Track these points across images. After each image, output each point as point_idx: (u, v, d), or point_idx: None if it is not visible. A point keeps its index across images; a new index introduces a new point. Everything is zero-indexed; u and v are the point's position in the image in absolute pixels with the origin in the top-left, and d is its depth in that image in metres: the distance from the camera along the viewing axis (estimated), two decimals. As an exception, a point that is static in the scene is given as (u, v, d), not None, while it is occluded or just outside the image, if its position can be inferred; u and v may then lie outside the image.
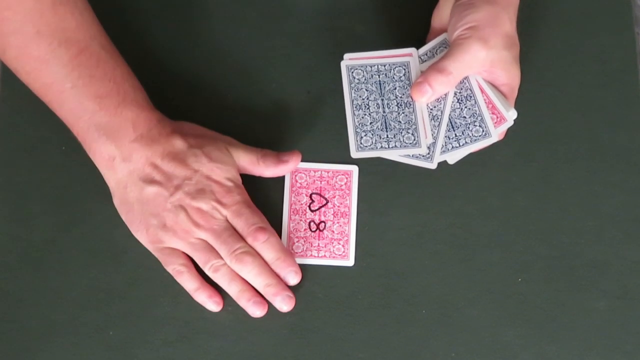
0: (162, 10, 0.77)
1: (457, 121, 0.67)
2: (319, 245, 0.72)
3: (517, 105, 0.72)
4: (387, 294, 0.71)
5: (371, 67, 0.69)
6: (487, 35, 0.64)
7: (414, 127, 0.66)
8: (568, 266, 0.71)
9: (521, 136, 0.74)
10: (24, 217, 0.72)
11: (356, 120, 0.67)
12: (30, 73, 0.66)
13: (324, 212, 0.72)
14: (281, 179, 0.73)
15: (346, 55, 0.70)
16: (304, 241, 0.72)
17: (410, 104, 0.67)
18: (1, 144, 0.74)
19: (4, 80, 0.74)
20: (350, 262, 0.71)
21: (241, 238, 0.68)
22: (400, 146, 0.66)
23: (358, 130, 0.67)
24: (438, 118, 0.67)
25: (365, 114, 0.67)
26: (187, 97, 0.75)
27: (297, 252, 0.72)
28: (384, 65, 0.69)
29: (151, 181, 0.67)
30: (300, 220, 0.72)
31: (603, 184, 0.73)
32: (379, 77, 0.69)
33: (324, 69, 0.75)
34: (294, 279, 0.69)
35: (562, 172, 0.73)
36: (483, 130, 0.66)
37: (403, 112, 0.67)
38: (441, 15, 0.70)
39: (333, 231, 0.72)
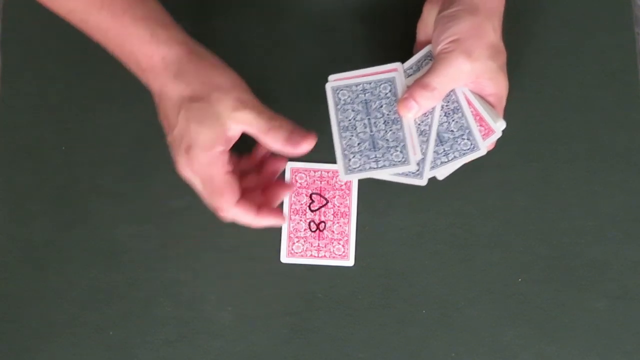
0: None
1: (445, 135, 0.66)
2: (319, 245, 0.72)
3: (517, 105, 0.72)
4: (387, 294, 0.71)
5: (356, 86, 0.67)
6: (471, 47, 0.63)
7: (402, 144, 0.65)
8: (568, 266, 0.71)
9: (521, 136, 0.74)
10: (24, 217, 0.72)
11: (344, 142, 0.66)
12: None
13: (324, 212, 0.72)
14: (281, 179, 0.72)
15: (331, 77, 0.68)
16: (304, 241, 0.72)
17: (398, 121, 0.66)
18: (1, 144, 0.74)
19: (4, 80, 0.74)
20: (350, 262, 0.71)
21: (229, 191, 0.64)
22: (389, 165, 0.65)
23: (346, 152, 0.66)
24: (426, 133, 0.66)
25: (352, 135, 0.66)
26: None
27: (297, 252, 0.72)
28: (369, 84, 0.67)
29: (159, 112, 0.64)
30: (300, 220, 0.72)
31: (603, 184, 0.73)
32: (365, 95, 0.67)
33: (325, 68, 0.75)
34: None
35: (562, 172, 0.73)
36: (471, 144, 0.66)
37: (390, 130, 0.66)
38: (425, 27, 0.69)
39: (333, 231, 0.72)
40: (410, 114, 0.65)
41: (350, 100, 0.67)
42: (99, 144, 0.73)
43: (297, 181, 0.73)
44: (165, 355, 0.70)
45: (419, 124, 0.66)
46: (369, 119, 0.66)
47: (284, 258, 0.72)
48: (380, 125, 0.66)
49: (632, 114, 0.75)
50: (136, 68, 0.63)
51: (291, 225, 0.72)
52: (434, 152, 0.66)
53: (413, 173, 0.66)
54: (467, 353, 0.70)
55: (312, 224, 0.72)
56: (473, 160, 0.71)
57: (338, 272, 0.71)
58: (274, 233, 0.72)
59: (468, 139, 0.65)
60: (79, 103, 0.74)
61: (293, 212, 0.72)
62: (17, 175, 0.73)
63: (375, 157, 0.66)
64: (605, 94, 0.75)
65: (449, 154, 0.66)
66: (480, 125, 0.66)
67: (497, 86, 0.65)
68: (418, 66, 0.67)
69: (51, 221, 0.72)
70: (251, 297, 0.71)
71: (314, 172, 0.73)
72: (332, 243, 0.72)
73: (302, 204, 0.72)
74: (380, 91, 0.67)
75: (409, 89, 0.65)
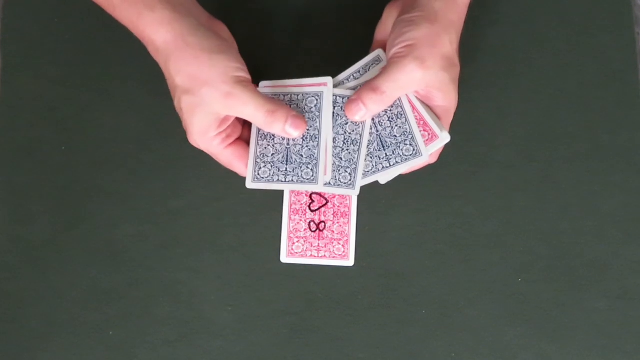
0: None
1: (388, 140, 0.65)
2: (319, 245, 0.72)
3: (518, 105, 0.73)
4: (387, 294, 0.71)
5: (284, 95, 0.67)
6: (425, 55, 0.61)
7: (314, 162, 0.64)
8: (568, 266, 0.71)
9: (521, 136, 0.74)
10: (24, 217, 0.72)
11: (258, 150, 0.66)
12: None
13: (324, 212, 0.72)
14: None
15: (262, 83, 0.67)
16: (304, 241, 0.72)
17: (316, 138, 0.65)
18: (1, 144, 0.74)
19: (4, 80, 0.74)
20: (350, 262, 0.71)
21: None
22: (297, 181, 0.65)
23: (258, 160, 0.66)
24: (357, 142, 0.65)
25: (269, 144, 0.66)
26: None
27: (297, 252, 0.72)
28: (297, 95, 0.66)
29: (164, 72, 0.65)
30: (300, 220, 0.72)
31: (603, 184, 0.73)
32: (291, 107, 0.66)
33: (323, 68, 0.75)
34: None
35: (562, 172, 0.73)
36: (414, 149, 0.65)
37: (307, 146, 0.65)
38: (384, 29, 0.68)
39: (333, 231, 0.72)
40: (357, 117, 0.64)
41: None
42: (99, 144, 0.73)
43: (297, 181, 0.73)
44: (165, 355, 0.70)
45: (350, 133, 0.66)
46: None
47: (284, 258, 0.72)
48: (298, 140, 0.65)
49: (632, 114, 0.75)
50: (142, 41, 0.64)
51: (291, 225, 0.72)
52: (376, 156, 0.65)
53: (345, 183, 0.66)
54: (467, 353, 0.70)
55: (312, 224, 0.72)
56: (473, 160, 0.71)
57: (338, 272, 0.71)
58: (274, 233, 0.72)
59: (410, 145, 0.65)
60: (79, 103, 0.74)
61: (293, 212, 0.72)
62: (17, 175, 0.73)
63: (286, 170, 0.65)
64: (605, 94, 0.75)
65: (390, 159, 0.65)
66: (424, 130, 0.65)
67: (446, 98, 0.64)
68: (365, 69, 0.67)
69: (51, 221, 0.72)
70: (251, 297, 0.71)
71: (314, 172, 0.73)
72: (332, 243, 0.72)
73: (302, 204, 0.72)
74: (306, 104, 0.66)
75: (358, 91, 0.64)
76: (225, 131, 0.65)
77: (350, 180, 0.65)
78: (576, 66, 0.75)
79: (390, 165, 0.65)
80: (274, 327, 0.70)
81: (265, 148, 0.66)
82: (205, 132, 0.63)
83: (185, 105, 0.63)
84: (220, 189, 0.71)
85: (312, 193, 0.73)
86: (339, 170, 0.65)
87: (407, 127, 0.64)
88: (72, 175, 0.73)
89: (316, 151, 0.65)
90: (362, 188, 0.73)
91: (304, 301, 0.71)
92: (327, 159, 0.65)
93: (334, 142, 0.66)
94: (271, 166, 0.65)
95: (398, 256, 0.72)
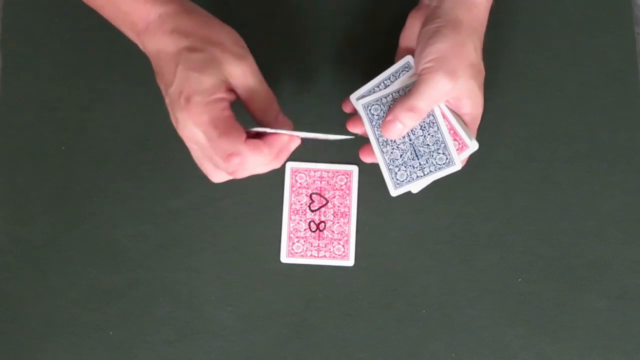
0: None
1: (421, 149, 0.65)
2: (319, 245, 0.72)
3: (518, 105, 0.73)
4: (387, 294, 0.71)
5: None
6: (454, 67, 0.62)
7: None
8: (568, 266, 0.71)
9: (521, 136, 0.74)
10: (24, 217, 0.72)
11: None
12: None
13: (324, 212, 0.72)
14: (281, 179, 0.73)
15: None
16: (304, 241, 0.72)
17: (434, 123, 0.65)
18: (1, 144, 0.74)
19: (4, 80, 0.74)
20: (350, 262, 0.71)
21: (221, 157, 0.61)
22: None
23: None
24: (434, 123, 0.65)
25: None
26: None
27: (297, 252, 0.72)
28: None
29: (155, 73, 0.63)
30: (300, 220, 0.72)
31: (603, 184, 0.73)
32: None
33: (324, 69, 0.75)
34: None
35: (562, 172, 0.73)
36: (447, 158, 0.65)
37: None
38: (408, 37, 0.69)
39: (333, 231, 0.72)
40: (395, 135, 0.65)
41: (383, 113, 0.67)
42: (99, 144, 0.73)
43: (297, 181, 0.73)
44: (165, 355, 0.70)
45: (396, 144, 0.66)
46: None
47: (284, 258, 0.72)
48: (417, 132, 0.66)
49: (632, 114, 0.75)
50: (132, 31, 0.62)
51: (291, 225, 0.72)
52: (410, 166, 0.66)
53: (445, 164, 0.65)
54: (467, 353, 0.70)
55: (312, 224, 0.72)
56: (473, 160, 0.71)
57: (338, 272, 0.71)
58: (274, 233, 0.72)
59: (443, 154, 0.65)
60: (79, 103, 0.74)
61: (293, 212, 0.72)
62: (17, 175, 0.73)
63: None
64: (605, 94, 0.75)
65: (424, 168, 0.65)
66: (455, 140, 0.65)
67: (474, 106, 0.65)
68: (396, 76, 0.67)
69: (51, 221, 0.72)
70: (251, 297, 0.71)
71: (314, 172, 0.73)
72: (332, 243, 0.72)
73: (302, 204, 0.72)
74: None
75: (393, 110, 0.64)
76: (229, 102, 0.62)
77: (446, 159, 0.65)
78: (576, 66, 0.75)
79: (424, 175, 0.66)
80: (274, 327, 0.70)
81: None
82: (212, 92, 0.60)
83: (193, 64, 0.60)
84: (220, 189, 0.71)
85: (312, 193, 0.73)
86: (432, 155, 0.65)
87: (440, 135, 0.65)
88: (72, 175, 0.73)
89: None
90: (362, 187, 0.73)
91: (304, 301, 0.71)
92: (458, 135, 0.65)
93: (413, 133, 0.66)
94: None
95: (398, 256, 0.72)
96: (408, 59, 0.67)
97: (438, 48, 0.63)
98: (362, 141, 0.68)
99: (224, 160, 0.59)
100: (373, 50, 0.75)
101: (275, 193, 0.72)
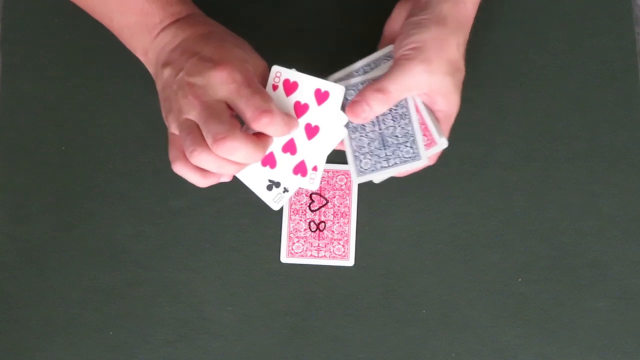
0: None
1: (389, 139, 0.64)
2: (319, 245, 0.72)
3: (518, 105, 0.73)
4: (387, 294, 0.71)
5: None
6: (431, 58, 0.61)
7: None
8: (568, 266, 0.71)
9: (521, 136, 0.74)
10: (24, 217, 0.72)
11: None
12: None
13: (324, 212, 0.72)
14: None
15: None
16: (304, 241, 0.72)
17: (406, 115, 0.64)
18: (1, 144, 0.74)
19: (4, 80, 0.74)
20: (350, 262, 0.71)
21: (232, 122, 0.58)
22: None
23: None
24: (406, 115, 0.64)
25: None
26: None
27: (297, 252, 0.72)
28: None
29: (166, 64, 0.62)
30: (300, 220, 0.72)
31: (603, 184, 0.73)
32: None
33: (324, 66, 0.75)
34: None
35: (562, 172, 0.73)
36: (414, 152, 0.64)
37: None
38: (392, 27, 0.68)
39: (333, 231, 0.72)
40: (361, 118, 0.63)
41: None
42: (99, 144, 0.73)
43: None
44: (165, 355, 0.70)
45: (396, 109, 0.64)
46: (377, 116, 0.65)
47: (284, 258, 0.72)
48: (388, 122, 0.65)
49: (632, 114, 0.75)
50: (153, 28, 0.63)
51: (291, 225, 0.72)
52: (375, 155, 0.65)
53: (410, 157, 0.64)
54: (467, 353, 0.70)
55: (312, 224, 0.72)
56: (473, 160, 0.71)
57: (338, 272, 0.71)
58: (274, 233, 0.72)
59: (411, 147, 0.64)
60: (79, 103, 0.74)
61: (293, 212, 0.72)
62: (17, 175, 0.73)
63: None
64: (605, 94, 0.75)
65: (390, 159, 0.64)
66: (424, 135, 0.65)
67: (448, 103, 0.64)
68: (376, 64, 0.67)
69: (51, 221, 0.72)
70: (251, 297, 0.71)
71: (314, 172, 0.73)
72: (332, 243, 0.72)
73: (302, 204, 0.72)
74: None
75: (361, 92, 0.63)
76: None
77: (413, 153, 0.64)
78: (576, 66, 0.75)
79: (388, 166, 0.64)
80: (274, 327, 0.70)
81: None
82: (244, 59, 0.60)
83: (226, 43, 0.61)
84: (220, 189, 0.71)
85: (312, 193, 0.73)
86: (399, 147, 0.65)
87: (410, 128, 0.64)
88: (72, 175, 0.73)
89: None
90: (362, 187, 0.73)
91: (304, 301, 0.71)
92: (428, 130, 0.64)
93: (383, 122, 0.65)
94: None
95: (398, 256, 0.72)
96: (390, 48, 0.66)
97: (419, 38, 0.62)
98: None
99: (214, 139, 0.57)
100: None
101: (275, 193, 0.73)
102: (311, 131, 0.63)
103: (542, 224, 0.72)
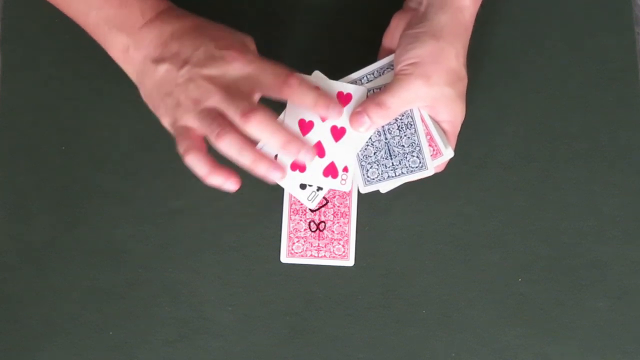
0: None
1: (396, 149, 0.65)
2: (319, 245, 0.72)
3: (518, 105, 0.72)
4: (387, 294, 0.71)
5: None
6: (430, 72, 0.62)
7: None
8: (568, 266, 0.71)
9: (521, 136, 0.74)
10: (24, 217, 0.72)
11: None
12: None
13: (324, 212, 0.72)
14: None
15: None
16: (304, 241, 0.72)
17: (412, 125, 0.65)
18: (1, 144, 0.74)
19: (4, 80, 0.74)
20: (350, 262, 0.71)
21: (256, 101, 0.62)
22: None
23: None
24: (411, 125, 0.65)
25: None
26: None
27: (297, 252, 0.72)
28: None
29: (161, 60, 0.63)
30: (300, 220, 0.72)
31: (603, 184, 0.73)
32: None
33: (325, 66, 0.75)
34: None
35: (562, 172, 0.73)
36: (420, 162, 0.65)
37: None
38: (391, 37, 0.69)
39: (333, 231, 0.72)
40: (362, 129, 0.65)
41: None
42: (99, 144, 0.73)
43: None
44: (165, 355, 0.70)
45: (402, 118, 0.65)
46: (382, 126, 0.66)
47: (284, 258, 0.72)
48: (394, 132, 0.65)
49: (632, 114, 0.75)
50: (135, 22, 0.63)
51: (291, 225, 0.72)
52: (382, 164, 0.66)
53: (417, 167, 0.65)
54: (467, 353, 0.70)
55: (312, 224, 0.72)
56: (473, 160, 0.71)
57: (338, 272, 0.71)
58: (274, 233, 0.72)
59: (417, 157, 0.65)
60: (79, 103, 0.74)
61: (293, 212, 0.72)
62: (17, 175, 0.73)
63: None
64: (605, 94, 0.75)
65: (396, 169, 0.65)
66: (430, 145, 0.65)
67: (451, 113, 0.65)
68: (380, 72, 0.67)
69: (51, 221, 0.72)
70: (251, 297, 0.71)
71: (314, 172, 0.73)
72: (332, 243, 0.72)
73: (302, 204, 0.72)
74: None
75: (363, 104, 0.65)
76: None
77: (420, 163, 0.65)
78: (576, 66, 0.75)
79: (395, 175, 0.66)
80: (274, 327, 0.70)
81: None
82: (243, 41, 0.63)
83: (220, 31, 0.63)
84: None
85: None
86: (406, 157, 0.65)
87: (416, 138, 0.65)
88: (72, 175, 0.73)
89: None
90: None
91: (304, 301, 0.71)
92: (433, 140, 0.65)
93: (389, 132, 0.66)
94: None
95: (398, 256, 0.72)
96: (392, 57, 0.67)
97: (416, 54, 0.63)
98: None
99: (284, 79, 0.61)
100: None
101: (275, 193, 0.72)
102: (337, 133, 0.65)
103: (542, 224, 0.72)
